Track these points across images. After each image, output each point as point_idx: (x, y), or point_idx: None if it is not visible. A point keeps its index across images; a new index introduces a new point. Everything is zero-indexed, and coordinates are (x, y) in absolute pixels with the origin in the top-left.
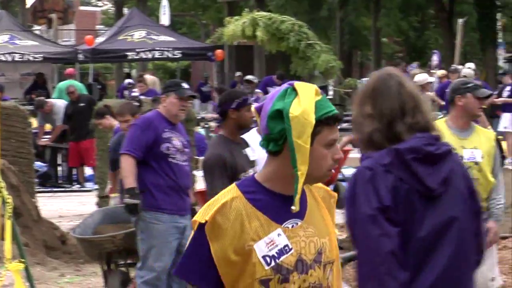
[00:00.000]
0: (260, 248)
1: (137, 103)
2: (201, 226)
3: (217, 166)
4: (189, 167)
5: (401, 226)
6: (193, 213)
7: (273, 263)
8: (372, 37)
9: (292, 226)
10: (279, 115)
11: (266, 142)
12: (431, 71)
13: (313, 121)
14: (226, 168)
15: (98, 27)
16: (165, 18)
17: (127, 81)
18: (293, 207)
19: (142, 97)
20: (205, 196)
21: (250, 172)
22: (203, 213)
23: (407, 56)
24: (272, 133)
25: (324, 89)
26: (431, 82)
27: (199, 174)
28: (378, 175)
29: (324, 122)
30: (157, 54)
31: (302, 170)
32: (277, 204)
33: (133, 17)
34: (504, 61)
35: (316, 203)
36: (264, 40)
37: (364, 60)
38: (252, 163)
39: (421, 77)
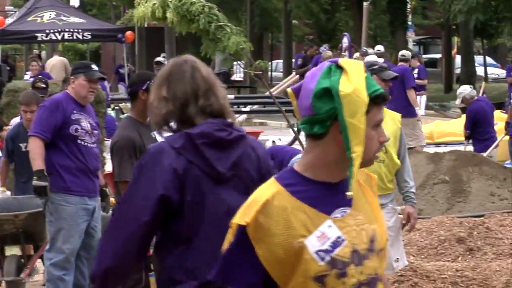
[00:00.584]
0: (312, 243)
1: (43, 85)
2: (242, 228)
3: (125, 148)
4: (98, 149)
5: (188, 209)
6: (102, 194)
7: (327, 258)
8: (283, 19)
9: (342, 216)
10: (327, 94)
11: (310, 125)
12: (342, 53)
13: (366, 99)
14: (135, 150)
15: (7, 8)
16: None
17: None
18: (348, 193)
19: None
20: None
21: None
22: (243, 214)
23: (318, 39)
24: (318, 114)
25: (225, 75)
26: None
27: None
28: (167, 158)
29: (373, 100)
30: (66, 36)
31: (358, 151)
32: (322, 194)
33: None
34: (413, 44)
35: (361, 188)
36: (174, 22)
37: (275, 42)
38: None
39: (370, 59)
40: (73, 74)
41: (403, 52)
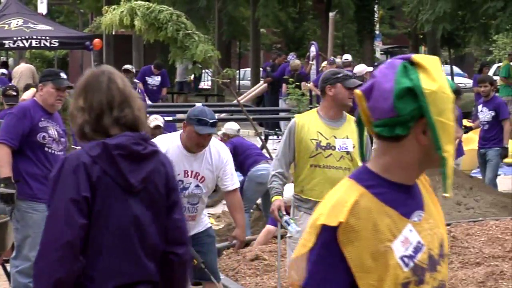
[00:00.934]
0: (398, 248)
1: (14, 93)
2: (331, 229)
3: None
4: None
5: (96, 217)
6: None
7: (411, 264)
8: (251, 27)
9: (418, 220)
10: (409, 94)
11: (390, 127)
12: (310, 62)
13: (451, 95)
14: None
15: None
16: (42, 6)
17: (1, 70)
18: (447, 194)
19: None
20: None
21: None
22: (330, 215)
23: (286, 47)
24: (401, 115)
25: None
26: (370, 72)
27: None
28: (83, 165)
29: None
30: (34, 43)
31: (450, 150)
32: (401, 197)
33: (10, 5)
34: (381, 53)
35: (426, 190)
36: (142, 30)
37: (243, 51)
38: None
39: (360, 68)
40: (41, 82)
41: (346, 56)
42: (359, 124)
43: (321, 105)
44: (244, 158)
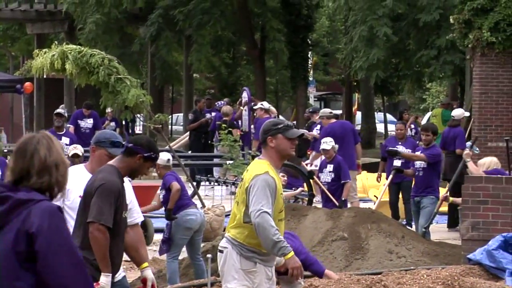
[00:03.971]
0: None
1: None
2: None
3: (114, 194)
4: None
5: None
6: None
7: None
8: (184, 72)
9: None
10: None
11: None
12: (241, 107)
13: None
14: (118, 200)
15: None
16: None
17: None
18: None
19: None
20: None
21: None
22: None
23: (219, 92)
24: None
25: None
26: (468, 116)
27: None
28: None
29: None
30: None
31: None
32: None
33: None
34: (314, 99)
35: None
36: (73, 74)
37: (176, 96)
38: None
39: (458, 112)
40: None
41: (263, 103)
42: None
43: (266, 156)
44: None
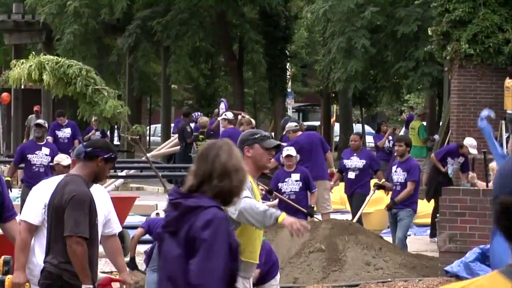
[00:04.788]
0: None
1: None
2: None
3: (86, 204)
4: None
5: None
6: None
7: None
8: (162, 83)
9: None
10: None
11: None
12: (218, 118)
13: None
14: (91, 209)
15: None
16: None
17: None
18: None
19: None
20: None
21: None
22: None
23: (197, 103)
24: None
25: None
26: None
27: None
28: None
29: None
30: None
31: None
32: None
33: None
34: (293, 111)
35: None
36: (51, 84)
37: (153, 106)
38: None
39: (470, 141)
40: None
41: (227, 113)
42: None
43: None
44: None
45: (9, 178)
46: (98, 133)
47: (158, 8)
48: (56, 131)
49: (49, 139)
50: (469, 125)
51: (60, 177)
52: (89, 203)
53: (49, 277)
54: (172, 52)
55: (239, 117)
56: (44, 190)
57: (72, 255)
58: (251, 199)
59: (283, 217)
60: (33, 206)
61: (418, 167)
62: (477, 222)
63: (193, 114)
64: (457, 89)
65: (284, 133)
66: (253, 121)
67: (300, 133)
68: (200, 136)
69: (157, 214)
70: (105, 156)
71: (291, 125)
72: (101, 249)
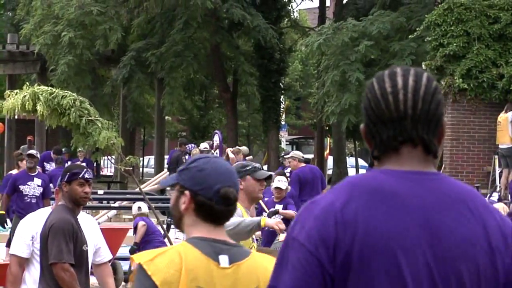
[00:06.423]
0: None
1: None
2: None
3: (66, 230)
4: None
5: None
6: None
7: None
8: (156, 115)
9: None
10: None
11: None
12: (212, 151)
13: None
14: (73, 235)
15: None
16: None
17: None
18: None
19: None
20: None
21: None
22: None
23: (191, 135)
24: None
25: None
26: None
27: None
28: None
29: None
30: None
31: None
32: None
33: None
34: (286, 143)
35: None
36: (44, 115)
37: (147, 138)
38: None
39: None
40: None
41: (204, 144)
42: None
43: None
44: (145, 242)
45: (3, 212)
46: (83, 164)
47: (152, 40)
48: (45, 163)
49: (39, 169)
50: (462, 160)
51: (47, 209)
52: (70, 229)
53: None
54: (166, 84)
55: (227, 150)
56: (30, 222)
57: (61, 282)
58: (234, 219)
59: (264, 220)
60: (21, 239)
61: None
62: None
63: (186, 146)
64: (450, 124)
65: (286, 156)
66: (241, 148)
67: (303, 164)
68: None
69: (139, 208)
70: (65, 179)
71: (298, 153)
72: (94, 279)
